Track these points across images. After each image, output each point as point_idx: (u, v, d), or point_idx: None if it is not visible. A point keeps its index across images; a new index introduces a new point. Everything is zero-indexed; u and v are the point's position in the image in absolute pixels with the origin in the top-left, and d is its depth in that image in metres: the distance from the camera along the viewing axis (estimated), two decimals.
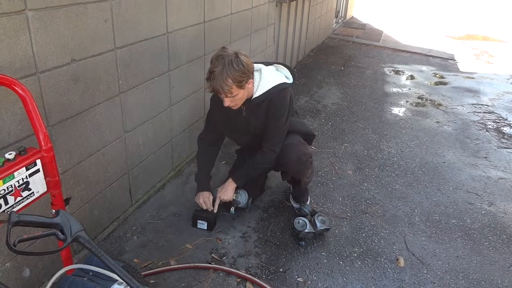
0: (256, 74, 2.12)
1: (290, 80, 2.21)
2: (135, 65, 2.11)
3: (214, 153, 2.45)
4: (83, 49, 1.74)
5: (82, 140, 1.86)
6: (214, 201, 2.31)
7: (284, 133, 2.26)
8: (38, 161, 1.29)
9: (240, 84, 1.96)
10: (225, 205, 2.38)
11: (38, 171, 1.29)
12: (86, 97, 1.83)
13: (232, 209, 2.36)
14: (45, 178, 1.33)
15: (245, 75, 1.96)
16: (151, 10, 2.14)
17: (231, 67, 1.90)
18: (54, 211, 1.39)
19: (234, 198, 2.33)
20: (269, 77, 2.15)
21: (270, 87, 2.12)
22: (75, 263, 1.70)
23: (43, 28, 1.53)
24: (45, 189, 1.35)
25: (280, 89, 2.13)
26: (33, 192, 1.30)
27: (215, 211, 2.30)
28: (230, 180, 2.33)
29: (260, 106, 2.14)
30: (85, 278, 1.36)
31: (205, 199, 2.30)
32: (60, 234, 1.05)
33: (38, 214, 1.05)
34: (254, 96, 2.11)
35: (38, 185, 1.31)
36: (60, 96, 1.68)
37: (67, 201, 1.51)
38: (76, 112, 1.79)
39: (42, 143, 1.30)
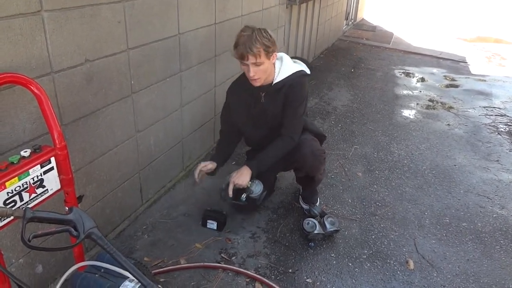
0: (277, 61, 2.18)
1: (308, 72, 2.26)
2: (147, 65, 2.14)
3: (233, 144, 2.47)
4: (96, 50, 1.77)
5: (95, 139, 1.89)
6: (226, 187, 2.17)
7: (302, 123, 2.27)
8: (52, 159, 1.31)
9: (267, 51, 2.01)
10: (237, 193, 2.20)
11: (52, 168, 1.32)
12: (99, 97, 1.85)
13: (244, 196, 2.20)
14: (58, 176, 1.36)
15: (272, 45, 2.04)
16: (163, 12, 2.17)
17: (260, 33, 2.00)
18: (67, 208, 1.41)
19: (248, 186, 2.20)
20: (289, 64, 2.20)
21: (290, 73, 2.16)
22: (87, 260, 1.72)
23: (58, 29, 1.55)
24: (59, 187, 1.37)
25: (300, 75, 2.18)
26: (47, 189, 1.32)
27: (230, 195, 2.14)
28: (245, 166, 2.21)
29: (279, 92, 2.17)
30: (96, 275, 1.38)
31: (202, 165, 2.26)
32: (73, 230, 1.06)
33: (52, 211, 1.07)
34: (275, 81, 2.15)
35: (52, 182, 1.34)
36: (74, 96, 1.71)
37: (80, 198, 1.54)
38: (89, 112, 1.82)
39: (56, 141, 1.32)
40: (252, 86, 2.15)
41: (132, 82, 2.05)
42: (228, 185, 2.17)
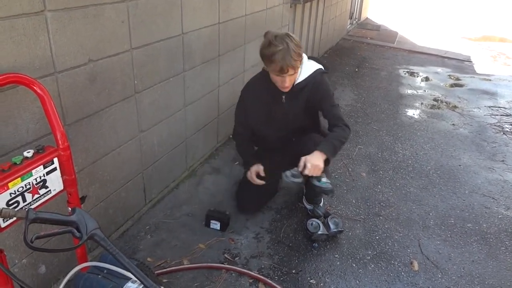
0: None
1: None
2: (151, 65, 2.13)
3: (252, 143, 2.46)
4: (100, 50, 1.77)
5: (98, 139, 1.89)
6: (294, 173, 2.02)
7: (341, 112, 2.26)
8: (55, 160, 1.31)
9: (300, 58, 2.03)
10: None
11: (55, 169, 1.31)
12: (102, 97, 1.85)
13: (325, 179, 2.04)
14: (61, 176, 1.35)
15: (302, 50, 2.04)
16: (167, 11, 2.16)
17: (292, 42, 1.97)
18: (70, 209, 1.41)
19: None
20: (308, 63, 2.20)
21: (311, 72, 2.16)
22: (90, 261, 1.72)
23: (62, 29, 1.55)
24: (62, 187, 1.37)
25: (320, 73, 2.18)
26: (50, 190, 1.32)
27: (306, 172, 1.95)
28: (317, 151, 2.00)
29: (301, 92, 2.16)
30: (99, 276, 1.37)
31: (257, 169, 2.30)
32: (76, 231, 1.06)
33: (55, 212, 1.06)
34: (297, 81, 2.15)
35: (55, 183, 1.33)
36: (77, 96, 1.70)
37: (83, 199, 1.54)
38: (93, 112, 1.81)
39: (59, 141, 1.32)
40: (272, 87, 2.15)
41: (136, 82, 2.05)
42: (297, 170, 2.00)
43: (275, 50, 1.95)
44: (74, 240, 1.08)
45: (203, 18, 2.52)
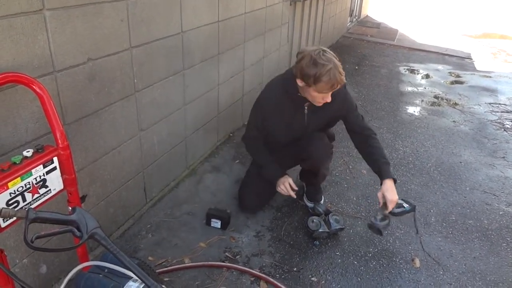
0: None
1: None
2: (150, 64, 2.13)
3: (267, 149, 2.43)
4: (99, 48, 1.76)
5: (98, 139, 1.88)
6: (383, 212, 2.16)
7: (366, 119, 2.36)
8: (55, 159, 1.30)
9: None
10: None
11: (55, 168, 1.31)
12: (102, 96, 1.85)
13: (403, 204, 2.24)
14: (61, 176, 1.35)
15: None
16: (166, 10, 2.15)
17: (335, 58, 1.97)
18: (70, 208, 1.40)
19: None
20: None
21: None
22: (91, 260, 1.72)
23: (60, 28, 1.55)
24: (62, 187, 1.37)
25: (344, 85, 2.13)
26: (50, 190, 1.32)
27: (392, 209, 2.12)
28: (387, 180, 2.15)
29: (326, 104, 2.11)
30: (100, 275, 1.38)
31: (290, 182, 2.31)
32: (76, 231, 1.06)
33: (55, 211, 1.06)
34: None
35: (55, 182, 1.33)
36: (77, 95, 1.70)
37: (83, 198, 1.53)
38: (92, 111, 1.81)
39: (59, 141, 1.32)
40: (295, 96, 2.13)
41: (135, 80, 2.04)
42: (383, 208, 2.15)
43: (325, 70, 1.91)
44: (74, 239, 1.07)
45: (202, 17, 2.52)
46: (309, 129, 2.27)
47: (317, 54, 1.93)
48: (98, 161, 1.92)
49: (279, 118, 2.23)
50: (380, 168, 2.20)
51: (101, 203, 2.01)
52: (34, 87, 1.29)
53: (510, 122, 4.17)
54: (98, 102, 1.83)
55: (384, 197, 2.13)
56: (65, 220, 1.07)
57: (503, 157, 3.40)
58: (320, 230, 2.22)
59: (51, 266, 1.77)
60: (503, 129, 3.98)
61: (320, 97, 2.02)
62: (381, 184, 2.18)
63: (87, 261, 1.55)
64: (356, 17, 9.18)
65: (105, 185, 2.01)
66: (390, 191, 2.13)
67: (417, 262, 2.18)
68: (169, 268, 1.99)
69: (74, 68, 1.65)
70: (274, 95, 2.21)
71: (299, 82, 2.02)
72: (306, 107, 2.19)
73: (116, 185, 2.09)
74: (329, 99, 2.03)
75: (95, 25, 1.71)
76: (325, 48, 1.99)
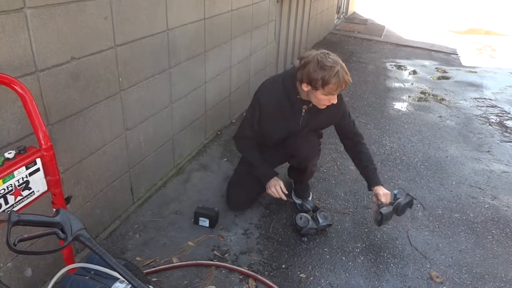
0: None
1: None
2: (135, 62, 2.11)
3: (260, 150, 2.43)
4: (82, 47, 1.74)
5: (83, 139, 1.86)
6: (379, 213, 2.22)
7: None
8: (38, 160, 1.28)
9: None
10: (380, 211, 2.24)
11: (38, 170, 1.29)
12: (87, 95, 1.82)
13: (400, 198, 2.29)
14: (45, 177, 1.33)
15: None
16: (151, 7, 2.13)
17: (340, 59, 2.01)
18: (54, 210, 1.38)
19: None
20: None
21: None
22: (77, 262, 1.70)
23: (42, 26, 1.52)
24: (46, 188, 1.35)
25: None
26: (33, 191, 1.30)
27: (387, 211, 2.21)
28: (379, 186, 2.30)
29: (323, 109, 2.15)
30: (87, 277, 1.36)
31: (281, 184, 2.33)
32: (60, 233, 1.04)
33: (38, 214, 1.05)
34: None
35: (38, 184, 1.31)
36: (60, 95, 1.68)
37: (68, 199, 1.51)
38: (77, 111, 1.78)
39: (42, 142, 1.29)
40: (295, 99, 2.14)
41: (120, 79, 2.02)
42: (380, 208, 2.24)
43: (333, 72, 1.94)
44: (59, 241, 1.06)
45: (188, 14, 2.50)
46: (305, 130, 2.29)
47: (322, 57, 1.97)
48: (83, 161, 1.89)
49: (276, 120, 2.23)
50: (370, 175, 2.35)
51: (87, 204, 1.99)
52: (15, 87, 1.26)
53: (495, 117, 4.23)
54: (82, 102, 1.81)
55: (377, 196, 2.27)
56: (48, 222, 1.05)
57: (488, 151, 3.45)
58: (308, 227, 2.22)
59: (36, 269, 1.75)
60: (488, 124, 4.03)
61: (327, 99, 2.05)
62: (369, 189, 2.35)
63: (73, 263, 1.53)
64: (344, 14, 9.21)
65: (90, 185, 1.99)
66: (381, 190, 2.28)
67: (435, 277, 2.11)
68: (157, 268, 1.98)
69: (57, 67, 1.63)
70: (275, 97, 2.19)
71: (305, 87, 2.03)
72: (304, 110, 2.21)
73: (102, 185, 2.07)
74: (335, 101, 2.07)
75: (78, 23, 1.68)
76: (326, 51, 2.04)
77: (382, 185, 2.31)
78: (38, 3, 1.49)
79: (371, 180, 2.34)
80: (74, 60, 1.70)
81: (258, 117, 2.24)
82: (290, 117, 2.23)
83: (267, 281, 1.95)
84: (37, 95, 1.56)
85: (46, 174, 1.33)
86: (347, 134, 2.41)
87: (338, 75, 1.95)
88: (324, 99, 2.05)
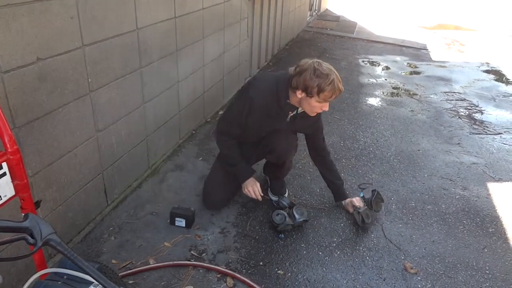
0: None
1: None
2: (105, 62, 2.07)
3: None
4: (49, 47, 1.69)
5: (52, 141, 1.82)
6: (362, 218, 2.37)
7: None
8: (4, 164, 1.24)
9: None
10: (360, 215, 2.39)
11: (4, 174, 1.25)
12: (55, 97, 1.78)
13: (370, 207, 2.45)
14: (12, 182, 1.29)
15: None
16: (120, 6, 2.10)
17: (332, 67, 2.04)
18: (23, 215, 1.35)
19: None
20: None
21: None
22: (50, 267, 1.66)
23: (5, 27, 1.48)
24: (13, 193, 1.31)
25: None
26: (0, 197, 1.26)
27: (366, 217, 2.37)
28: (348, 198, 2.51)
29: (307, 118, 2.22)
30: (59, 282, 1.33)
31: (258, 186, 2.37)
32: (29, 238, 1.02)
33: (5, 219, 1.02)
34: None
35: (5, 188, 1.27)
36: (27, 96, 1.63)
37: (37, 204, 1.47)
38: (45, 113, 1.74)
39: (8, 145, 1.25)
40: (283, 103, 2.15)
41: (90, 80, 1.98)
42: (361, 215, 2.38)
43: (329, 80, 1.98)
44: (30, 247, 1.03)
45: (158, 12, 2.47)
46: (288, 132, 2.33)
47: (318, 66, 2.01)
48: (54, 164, 1.85)
49: (261, 121, 2.23)
50: (338, 190, 2.54)
51: (59, 208, 1.94)
52: None
53: (464, 110, 4.34)
54: (50, 103, 1.76)
55: (351, 203, 2.47)
56: (16, 228, 1.02)
57: (458, 143, 3.54)
58: (285, 223, 2.24)
59: (8, 276, 1.70)
60: (457, 117, 4.14)
61: (320, 106, 2.09)
62: (336, 201, 2.58)
63: (45, 268, 1.49)
64: (316, 11, 9.28)
65: (62, 189, 1.94)
66: (352, 199, 2.49)
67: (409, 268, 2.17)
68: (134, 270, 1.95)
69: (22, 68, 1.58)
70: (266, 98, 2.17)
71: (299, 94, 2.05)
72: (290, 115, 2.23)
73: (74, 188, 2.03)
74: (327, 108, 2.12)
75: (43, 23, 1.64)
76: (318, 60, 2.07)
77: (347, 196, 2.53)
78: (0, 3, 1.44)
79: (340, 195, 2.54)
80: (40, 61, 1.66)
81: (247, 113, 2.21)
82: (275, 119, 2.24)
83: (245, 279, 1.95)
84: (2, 97, 1.52)
85: (13, 178, 1.29)
86: (316, 148, 2.51)
87: (334, 83, 2.00)
88: (317, 107, 2.09)
